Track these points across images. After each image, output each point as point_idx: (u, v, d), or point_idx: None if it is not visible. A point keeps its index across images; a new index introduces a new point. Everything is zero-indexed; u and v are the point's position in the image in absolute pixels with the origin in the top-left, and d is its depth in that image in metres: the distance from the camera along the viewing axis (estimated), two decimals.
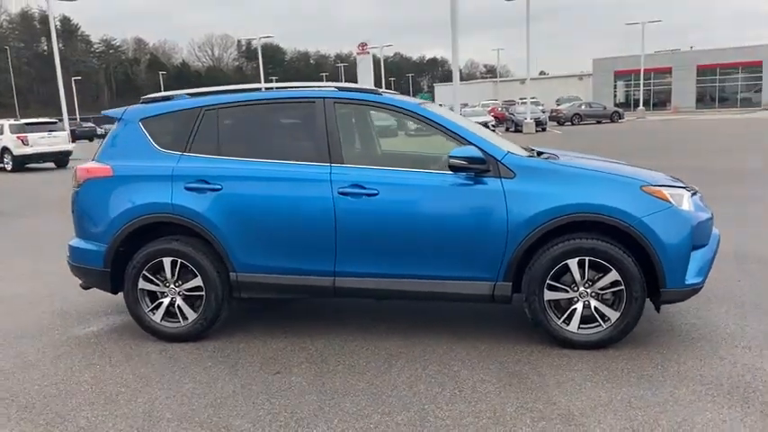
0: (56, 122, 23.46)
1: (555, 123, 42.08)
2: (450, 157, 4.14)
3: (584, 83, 72.33)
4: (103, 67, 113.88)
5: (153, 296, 4.64)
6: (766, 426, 3.18)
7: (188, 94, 4.96)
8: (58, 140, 22.42)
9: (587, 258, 4.09)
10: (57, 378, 4.10)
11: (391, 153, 5.78)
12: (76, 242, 4.78)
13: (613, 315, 4.13)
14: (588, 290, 4.14)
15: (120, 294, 5.28)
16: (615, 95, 62.47)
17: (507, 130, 38.46)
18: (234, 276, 4.48)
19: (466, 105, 46.00)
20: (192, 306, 4.57)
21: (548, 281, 4.15)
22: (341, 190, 4.29)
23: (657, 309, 4.28)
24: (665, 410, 3.35)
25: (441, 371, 3.96)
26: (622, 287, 4.07)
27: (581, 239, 4.08)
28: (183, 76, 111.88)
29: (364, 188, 4.27)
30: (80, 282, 5.00)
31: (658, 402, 3.44)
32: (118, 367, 4.24)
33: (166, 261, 4.52)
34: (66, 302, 5.77)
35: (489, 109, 42.85)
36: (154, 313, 4.62)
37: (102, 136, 61.22)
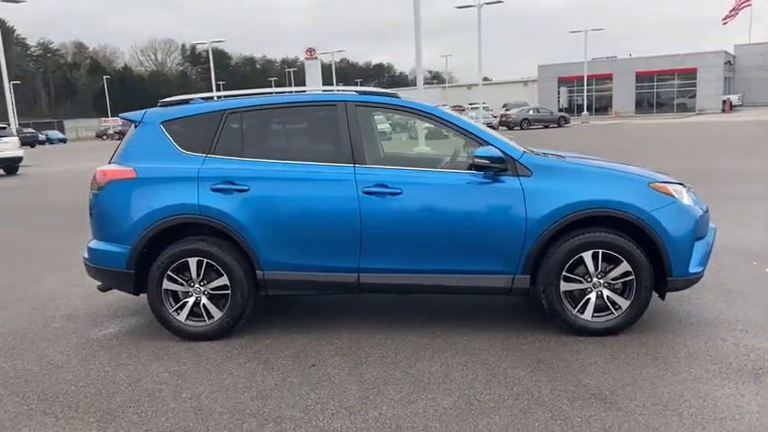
0: (5, 128, 22.69)
1: (504, 128, 43.03)
2: (475, 156, 4.37)
3: (528, 88, 74.17)
4: (41, 72, 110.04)
5: (176, 296, 4.70)
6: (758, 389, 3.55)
7: (201, 98, 5.05)
8: (8, 146, 21.71)
9: (600, 251, 4.37)
10: (91, 378, 4.13)
11: (393, 154, 5.99)
12: (97, 244, 4.79)
13: (624, 303, 4.43)
14: (601, 280, 4.43)
15: (126, 297, 5.36)
16: (559, 101, 64.30)
17: None
18: (261, 275, 4.58)
19: None
20: (216, 305, 4.66)
21: (563, 273, 4.42)
22: (366, 189, 4.46)
23: (662, 296, 4.61)
24: (687, 388, 3.65)
25: (470, 359, 4.18)
26: (633, 277, 4.37)
27: (594, 233, 4.37)
28: (126, 80, 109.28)
29: (388, 187, 4.45)
30: (98, 284, 5.01)
31: (678, 381, 3.74)
32: (150, 366, 4.29)
33: (192, 261, 4.60)
34: (71, 307, 5.73)
35: None
36: (178, 313, 4.67)
37: (43, 142, 59.70)
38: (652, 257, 4.39)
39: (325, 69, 58.14)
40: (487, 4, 34.41)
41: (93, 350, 4.64)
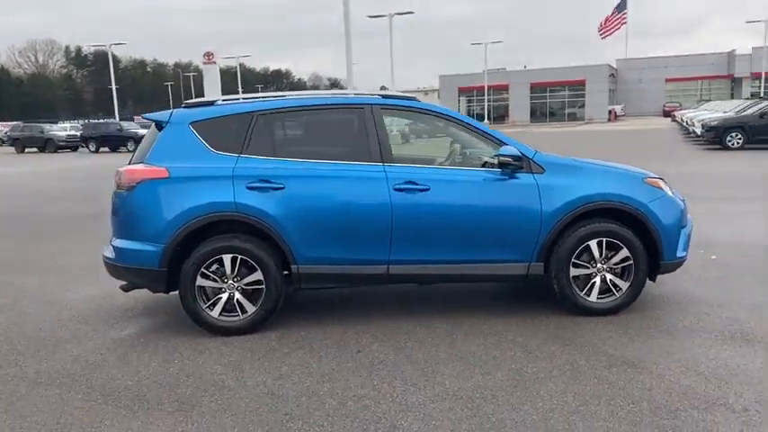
0: None
1: (414, 135, 44.02)
2: (500, 155, 4.81)
3: (429, 98, 76.19)
4: None
5: (207, 293, 4.80)
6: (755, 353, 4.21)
7: (222, 100, 5.18)
8: None
9: (604, 239, 4.92)
10: (143, 374, 4.18)
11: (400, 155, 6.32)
12: (125, 243, 4.80)
13: (624, 285, 4.99)
14: (604, 266, 4.98)
15: (132, 298, 5.50)
16: (459, 110, 66.62)
17: None
18: (295, 269, 4.78)
19: None
20: (249, 299, 4.81)
21: (572, 260, 4.93)
22: (396, 186, 4.78)
23: (653, 279, 5.20)
24: (697, 353, 4.23)
25: (501, 340, 4.58)
26: (631, 262, 4.95)
27: (599, 223, 4.91)
28: (2, 83, 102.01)
29: (417, 184, 4.80)
30: (121, 284, 5.02)
31: (686, 348, 4.33)
32: (196, 360, 4.38)
33: (227, 258, 4.72)
34: (73, 310, 5.64)
35: None
36: (211, 309, 4.78)
37: None
38: (646, 244, 4.98)
39: (223, 74, 57.27)
40: (398, 14, 35.42)
41: (126, 349, 4.65)
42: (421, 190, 4.80)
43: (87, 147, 38.01)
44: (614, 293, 5.01)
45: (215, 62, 51.48)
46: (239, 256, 4.74)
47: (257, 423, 3.48)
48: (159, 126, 4.95)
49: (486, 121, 55.77)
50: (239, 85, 55.91)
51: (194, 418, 3.56)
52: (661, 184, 5.10)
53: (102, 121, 46.28)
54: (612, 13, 72.19)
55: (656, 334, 4.61)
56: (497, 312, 5.16)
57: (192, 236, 4.71)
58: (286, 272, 4.87)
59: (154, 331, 5.01)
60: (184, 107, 5.09)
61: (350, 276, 4.89)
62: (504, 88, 64.87)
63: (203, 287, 4.76)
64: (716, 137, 22.56)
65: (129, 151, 36.89)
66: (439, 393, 3.76)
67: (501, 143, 4.97)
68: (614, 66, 68.96)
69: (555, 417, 3.43)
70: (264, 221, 4.70)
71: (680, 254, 5.09)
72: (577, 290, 4.98)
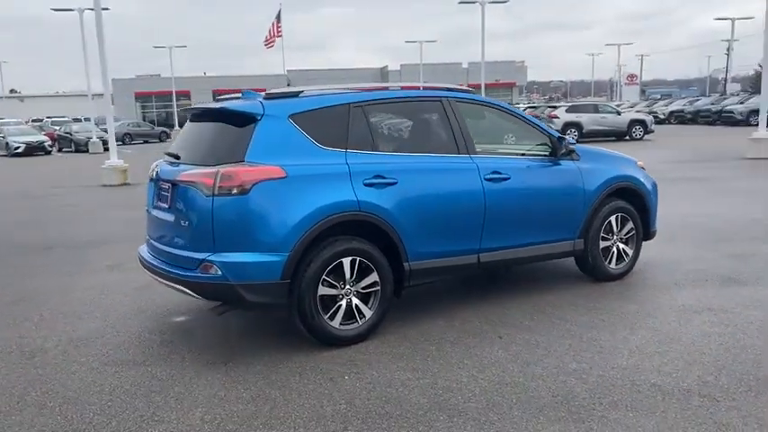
0: None
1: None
2: (570, 143, 5.33)
3: (96, 102, 69.97)
4: None
5: (325, 302, 4.35)
6: (757, 290, 5.49)
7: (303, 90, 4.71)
8: None
9: (620, 215, 5.82)
10: (343, 396, 3.69)
11: None
12: (239, 257, 4.05)
13: (631, 252, 5.96)
14: (618, 237, 5.87)
15: (120, 331, 4.76)
16: (137, 115, 62.96)
17: (61, 150, 35.80)
18: (407, 266, 4.62)
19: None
20: (365, 303, 4.50)
21: (601, 234, 5.72)
22: (486, 176, 4.96)
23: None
24: (732, 294, 5.33)
25: (592, 309, 5.07)
26: (634, 232, 5.94)
27: (617, 201, 5.78)
28: None
29: (501, 174, 5.05)
30: (215, 305, 4.23)
31: (718, 293, 5.38)
32: (366, 373, 3.99)
33: (346, 261, 4.35)
34: (96, 355, 4.45)
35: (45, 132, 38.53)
36: (332, 320, 4.35)
37: None
38: (640, 216, 6.00)
39: None
40: (89, 9, 31.89)
41: (266, 378, 3.96)
42: (504, 179, 5.06)
43: None
44: (625, 260, 5.94)
45: None
46: (357, 259, 4.40)
47: (550, 408, 3.48)
48: (248, 119, 4.28)
49: (176, 127, 53.68)
50: None
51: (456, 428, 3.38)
52: (643, 165, 6.21)
53: None
54: (275, 25, 75.41)
55: (678, 288, 5.60)
56: (549, 289, 5.65)
57: (316, 240, 4.23)
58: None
59: (232, 355, 4.32)
60: (266, 98, 4.47)
61: (449, 269, 4.91)
62: (187, 94, 63.16)
63: (325, 296, 4.31)
64: None
65: None
66: (629, 355, 4.16)
67: (546, 133, 5.49)
68: (287, 75, 72.37)
69: (732, 352, 4.15)
70: (384, 219, 4.46)
71: (656, 224, 6.27)
72: (605, 260, 5.78)
